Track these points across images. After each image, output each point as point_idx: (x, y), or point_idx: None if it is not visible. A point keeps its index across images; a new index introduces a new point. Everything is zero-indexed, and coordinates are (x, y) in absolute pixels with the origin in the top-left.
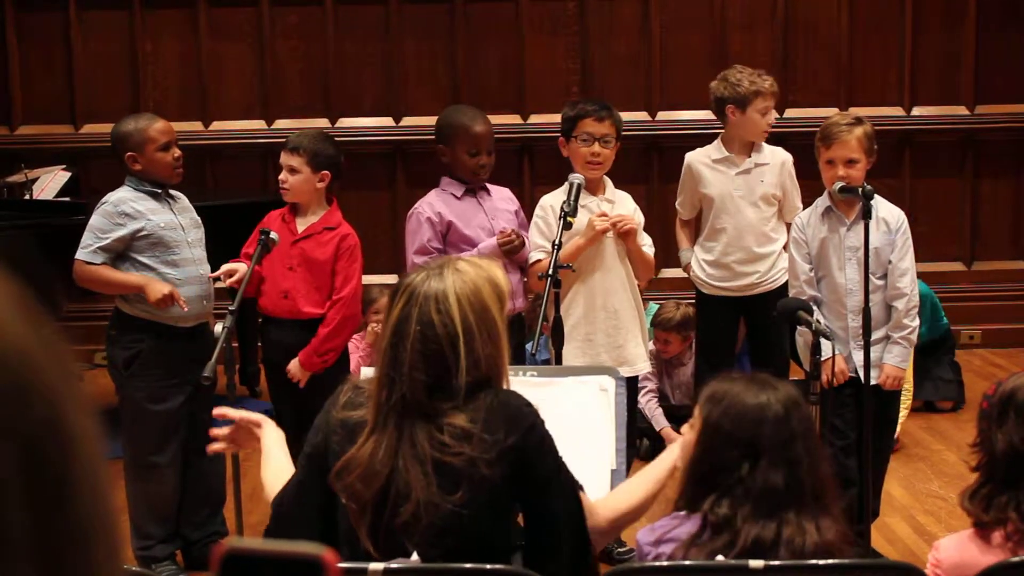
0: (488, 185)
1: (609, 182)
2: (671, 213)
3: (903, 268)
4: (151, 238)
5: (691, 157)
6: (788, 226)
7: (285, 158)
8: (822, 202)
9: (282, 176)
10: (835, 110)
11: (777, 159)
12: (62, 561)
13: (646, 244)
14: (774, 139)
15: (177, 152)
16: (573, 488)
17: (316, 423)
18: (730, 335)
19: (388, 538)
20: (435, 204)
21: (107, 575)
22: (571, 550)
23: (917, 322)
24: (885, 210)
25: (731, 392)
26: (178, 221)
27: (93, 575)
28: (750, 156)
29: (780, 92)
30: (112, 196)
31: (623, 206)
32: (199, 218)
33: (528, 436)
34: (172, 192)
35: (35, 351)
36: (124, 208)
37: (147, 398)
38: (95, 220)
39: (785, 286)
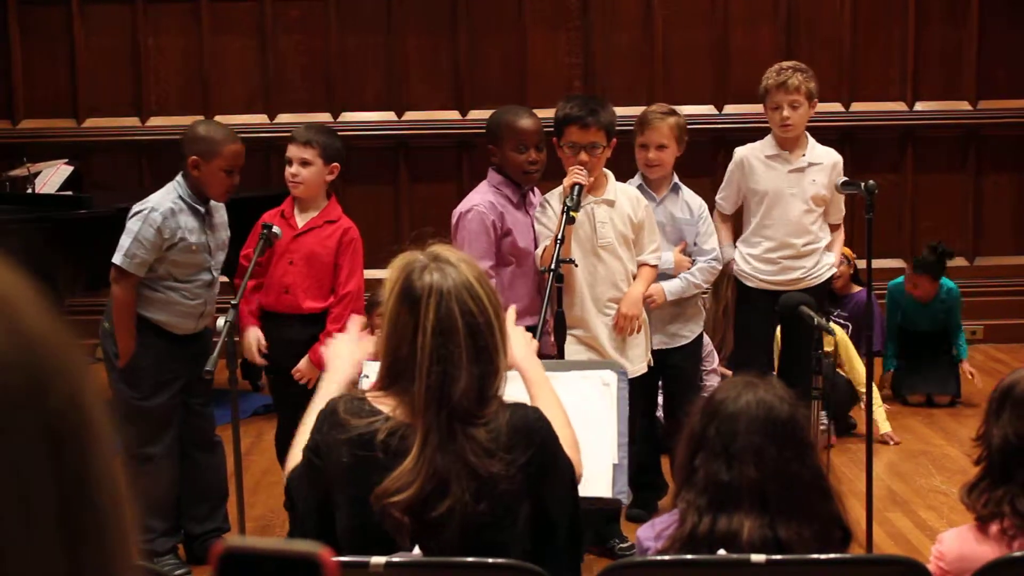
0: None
1: (611, 178)
2: None
3: (707, 248)
4: (175, 252)
5: (742, 152)
6: (833, 227)
7: (297, 151)
8: (636, 179)
9: (293, 170)
10: (838, 105)
11: (830, 159)
12: (84, 539)
13: (648, 251)
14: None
15: (237, 179)
16: (573, 479)
17: (315, 438)
18: (767, 328)
19: (423, 535)
20: (496, 206)
21: (121, 556)
22: (567, 539)
23: (700, 279)
24: (690, 196)
25: (716, 388)
26: (207, 243)
27: (109, 553)
28: (806, 154)
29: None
30: (160, 205)
31: (624, 205)
32: (229, 232)
33: (543, 449)
34: (213, 204)
35: (52, 342)
36: (170, 223)
37: (139, 393)
38: (142, 228)
39: (824, 283)
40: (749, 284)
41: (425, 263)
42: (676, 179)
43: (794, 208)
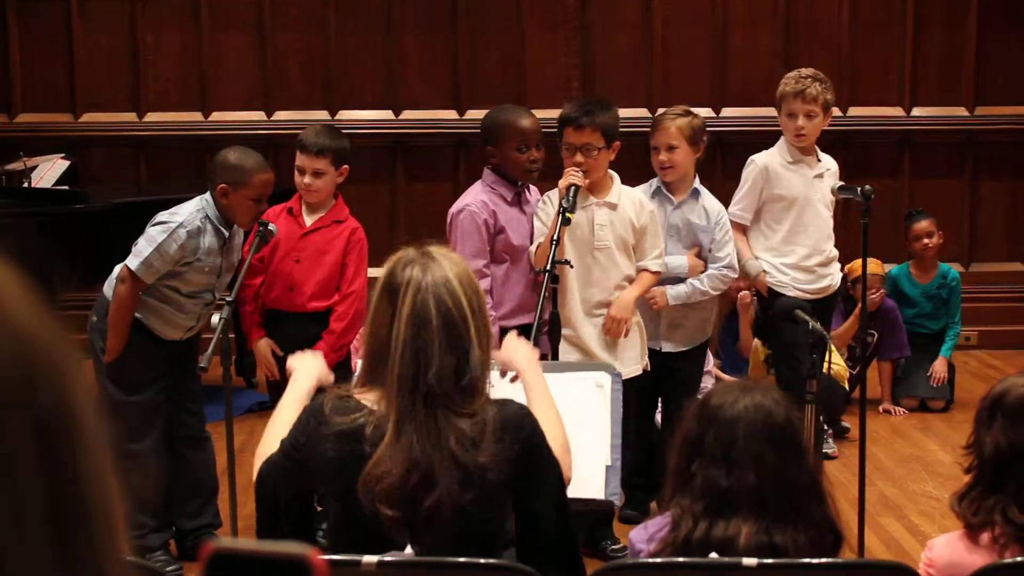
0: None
1: (616, 181)
2: None
3: (720, 256)
4: (189, 270)
5: (763, 159)
6: None
7: (310, 162)
8: (655, 181)
9: (307, 180)
10: (835, 110)
11: (835, 165)
12: (74, 536)
13: (650, 257)
14: (772, 137)
15: (264, 206)
16: (561, 480)
17: (298, 437)
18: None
19: (418, 526)
20: (488, 205)
21: (112, 553)
22: (559, 541)
23: (707, 285)
24: (710, 201)
25: (709, 393)
26: (220, 265)
27: (99, 550)
28: (820, 161)
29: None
30: (189, 223)
31: (627, 209)
32: (240, 254)
33: (529, 443)
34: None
35: (44, 340)
36: (192, 243)
37: (123, 390)
38: (165, 242)
39: (838, 290)
40: (789, 293)
41: (411, 259)
42: (697, 183)
43: (821, 214)
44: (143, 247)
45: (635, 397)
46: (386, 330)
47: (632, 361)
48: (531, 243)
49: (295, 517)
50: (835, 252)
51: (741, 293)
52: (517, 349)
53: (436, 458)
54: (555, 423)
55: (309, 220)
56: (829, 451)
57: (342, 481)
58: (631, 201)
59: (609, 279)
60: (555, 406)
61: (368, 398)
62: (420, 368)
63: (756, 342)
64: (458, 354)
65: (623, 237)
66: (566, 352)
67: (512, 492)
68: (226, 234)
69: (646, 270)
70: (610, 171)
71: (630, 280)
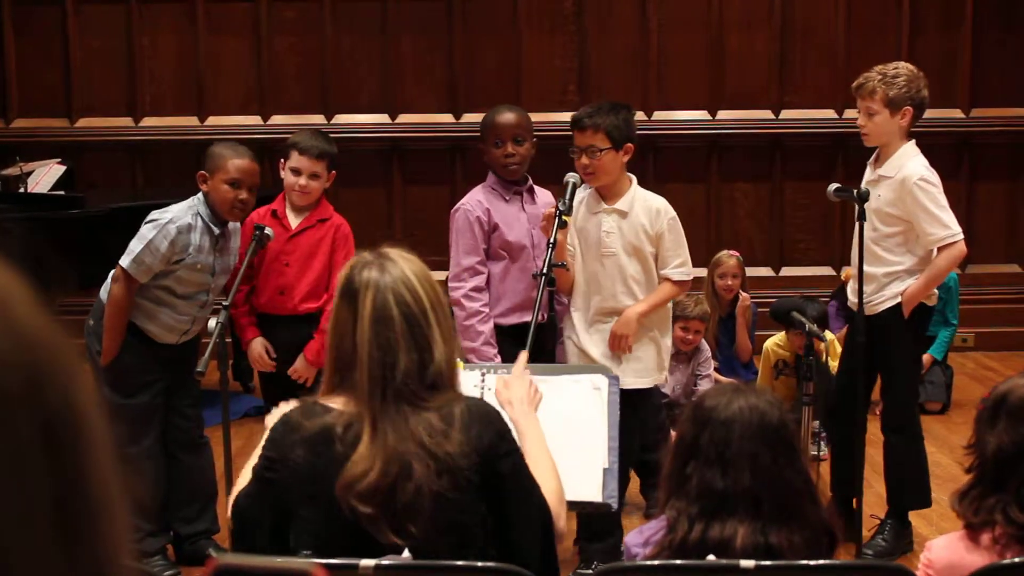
0: (536, 188)
1: (632, 186)
2: None
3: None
4: (181, 268)
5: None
6: (929, 253)
7: (310, 164)
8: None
9: (303, 182)
10: (831, 112)
11: (900, 174)
12: (78, 537)
13: (672, 265)
14: (769, 140)
15: (244, 195)
16: (547, 520)
17: (268, 454)
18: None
19: (400, 521)
20: (483, 203)
21: (114, 555)
22: (536, 553)
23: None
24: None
25: (704, 395)
26: (213, 265)
27: (102, 552)
28: (883, 166)
29: (775, 93)
30: (178, 220)
31: (639, 216)
32: (237, 258)
33: (503, 438)
34: (230, 228)
35: (49, 343)
36: (183, 239)
37: (118, 392)
38: (155, 238)
39: (891, 311)
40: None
41: (368, 261)
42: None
43: (863, 226)
44: (135, 245)
45: (639, 406)
46: (349, 334)
47: (639, 373)
48: (531, 241)
49: (269, 549)
50: (878, 270)
51: (741, 296)
52: (516, 394)
53: (409, 450)
54: (549, 473)
55: (295, 221)
56: (820, 454)
57: (316, 485)
58: (645, 208)
59: (615, 286)
60: (550, 457)
61: (335, 402)
62: (387, 366)
63: (766, 348)
64: (421, 350)
65: (633, 244)
66: (571, 357)
67: (486, 489)
68: (216, 231)
69: (668, 279)
70: (629, 176)
71: (640, 285)
